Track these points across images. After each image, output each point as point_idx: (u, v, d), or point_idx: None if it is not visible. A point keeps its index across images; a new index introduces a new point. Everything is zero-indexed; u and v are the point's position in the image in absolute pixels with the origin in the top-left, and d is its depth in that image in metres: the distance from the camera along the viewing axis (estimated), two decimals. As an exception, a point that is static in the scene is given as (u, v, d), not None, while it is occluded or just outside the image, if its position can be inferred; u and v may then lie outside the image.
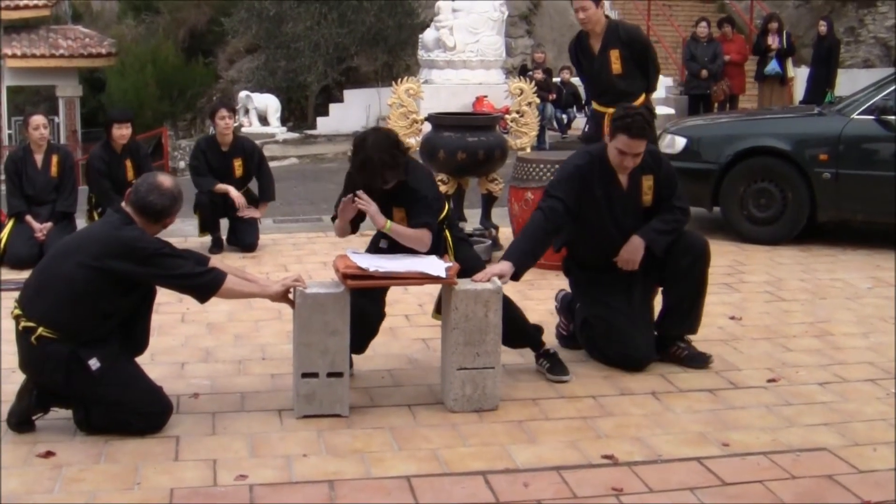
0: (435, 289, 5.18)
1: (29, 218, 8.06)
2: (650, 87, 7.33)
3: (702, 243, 5.31)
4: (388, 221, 4.83)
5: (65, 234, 7.23)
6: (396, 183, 4.79)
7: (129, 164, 8.36)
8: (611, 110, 6.77)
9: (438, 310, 4.95)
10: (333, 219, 5.16)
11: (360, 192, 4.76)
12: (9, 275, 7.45)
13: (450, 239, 5.01)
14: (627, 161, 5.08)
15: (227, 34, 21.94)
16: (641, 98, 7.15)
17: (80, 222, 8.30)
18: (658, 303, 5.45)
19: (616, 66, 7.12)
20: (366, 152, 4.67)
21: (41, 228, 8.00)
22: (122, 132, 8.33)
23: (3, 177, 8.89)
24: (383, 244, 5.00)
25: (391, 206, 4.89)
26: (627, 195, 5.22)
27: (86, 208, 8.50)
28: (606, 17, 7.23)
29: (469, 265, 4.86)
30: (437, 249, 4.87)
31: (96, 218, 8.01)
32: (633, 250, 5.20)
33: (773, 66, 15.35)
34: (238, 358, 5.48)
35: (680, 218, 5.28)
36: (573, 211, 5.09)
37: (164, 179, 4.49)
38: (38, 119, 8.31)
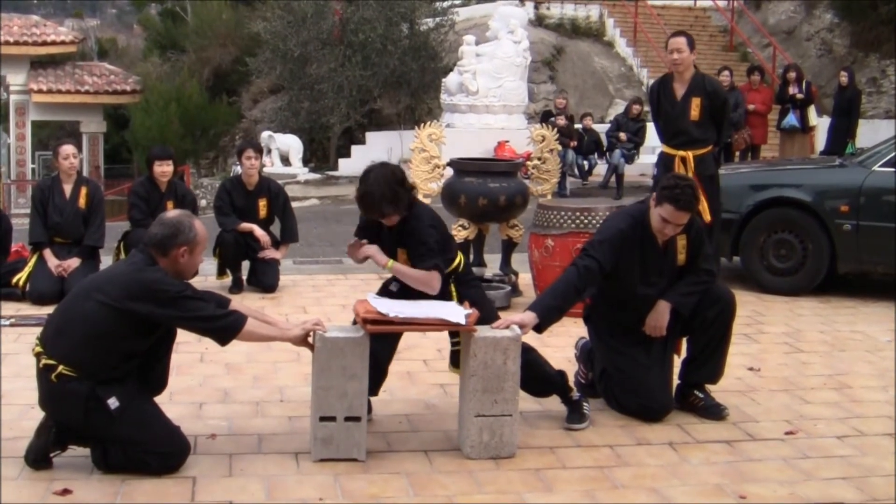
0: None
1: (47, 253, 8.06)
2: (720, 139, 7.97)
3: (728, 295, 5.34)
4: (390, 261, 4.86)
5: (88, 272, 7.26)
6: (401, 221, 4.83)
7: (170, 205, 8.16)
8: (681, 153, 7.68)
9: (455, 363, 4.95)
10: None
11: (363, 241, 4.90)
12: (30, 310, 7.50)
13: (454, 294, 4.96)
14: (668, 230, 5.11)
15: (252, 74, 22.16)
16: (711, 147, 7.80)
17: (107, 259, 8.35)
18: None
19: (695, 113, 7.69)
20: (367, 185, 4.73)
21: (59, 265, 7.99)
22: (162, 169, 8.36)
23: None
24: (393, 287, 5.02)
25: (396, 248, 4.92)
26: (663, 257, 5.24)
27: (114, 245, 8.49)
28: (694, 65, 7.74)
29: (485, 315, 4.85)
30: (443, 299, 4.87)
31: (122, 257, 8.01)
32: (658, 316, 5.23)
33: (789, 120, 15.36)
34: (256, 399, 5.50)
35: (707, 280, 5.30)
36: (607, 273, 5.12)
37: (171, 212, 4.57)
38: (68, 149, 8.29)
